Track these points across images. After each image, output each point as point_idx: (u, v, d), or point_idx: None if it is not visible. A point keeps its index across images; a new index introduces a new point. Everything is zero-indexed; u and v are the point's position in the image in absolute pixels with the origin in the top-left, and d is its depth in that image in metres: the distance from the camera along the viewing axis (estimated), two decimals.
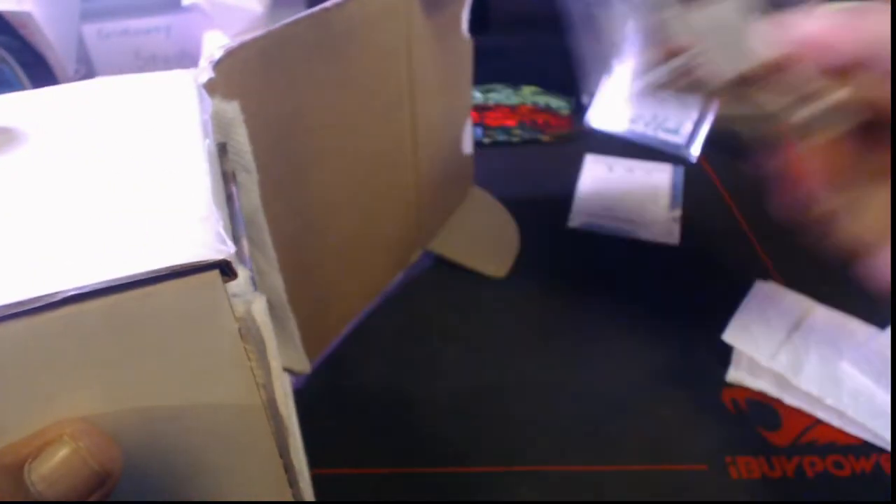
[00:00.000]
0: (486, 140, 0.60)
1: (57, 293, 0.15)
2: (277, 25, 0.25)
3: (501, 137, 0.61)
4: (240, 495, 0.20)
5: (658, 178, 0.56)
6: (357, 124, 0.33)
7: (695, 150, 0.58)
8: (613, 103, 0.62)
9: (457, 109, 0.44)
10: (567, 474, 0.34)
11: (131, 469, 0.17)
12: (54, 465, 0.15)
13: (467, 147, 0.48)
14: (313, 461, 0.24)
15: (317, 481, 0.24)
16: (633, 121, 0.61)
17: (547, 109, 0.62)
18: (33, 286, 0.15)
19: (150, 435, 0.17)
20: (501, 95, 0.62)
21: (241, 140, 0.25)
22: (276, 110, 0.27)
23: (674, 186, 0.55)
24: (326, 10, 0.27)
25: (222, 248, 0.16)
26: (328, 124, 0.31)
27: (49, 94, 0.24)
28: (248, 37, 0.25)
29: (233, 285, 0.17)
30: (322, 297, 0.37)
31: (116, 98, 0.23)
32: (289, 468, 0.20)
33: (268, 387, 0.18)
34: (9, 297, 0.15)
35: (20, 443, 0.16)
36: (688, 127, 0.58)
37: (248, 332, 0.18)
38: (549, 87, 0.64)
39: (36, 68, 0.46)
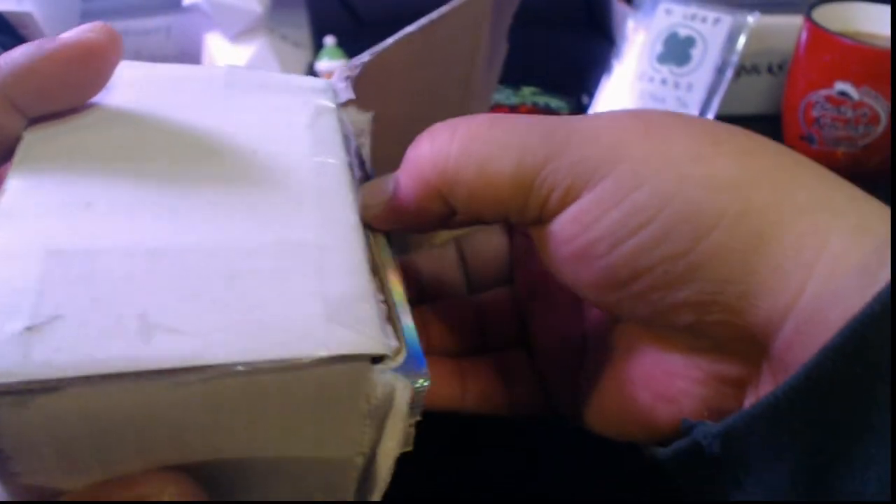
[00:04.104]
0: None
1: (235, 363, 0.14)
2: (394, 39, 0.25)
3: None
4: None
5: None
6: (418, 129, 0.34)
7: None
8: (613, 103, 0.62)
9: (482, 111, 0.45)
10: None
11: None
12: None
13: None
14: None
15: None
16: None
17: (547, 110, 0.62)
18: (198, 351, 0.14)
19: (241, 480, 0.17)
20: (501, 95, 0.62)
21: (366, 151, 0.24)
22: (378, 121, 0.27)
23: None
24: (433, 21, 0.27)
25: (386, 343, 0.15)
26: (405, 131, 0.31)
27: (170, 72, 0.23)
28: (377, 50, 0.25)
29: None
30: None
31: (250, 102, 0.22)
32: None
33: (370, 456, 0.17)
34: (175, 361, 0.14)
35: (115, 484, 0.15)
36: None
37: (375, 411, 0.16)
38: (548, 87, 0.64)
39: None
